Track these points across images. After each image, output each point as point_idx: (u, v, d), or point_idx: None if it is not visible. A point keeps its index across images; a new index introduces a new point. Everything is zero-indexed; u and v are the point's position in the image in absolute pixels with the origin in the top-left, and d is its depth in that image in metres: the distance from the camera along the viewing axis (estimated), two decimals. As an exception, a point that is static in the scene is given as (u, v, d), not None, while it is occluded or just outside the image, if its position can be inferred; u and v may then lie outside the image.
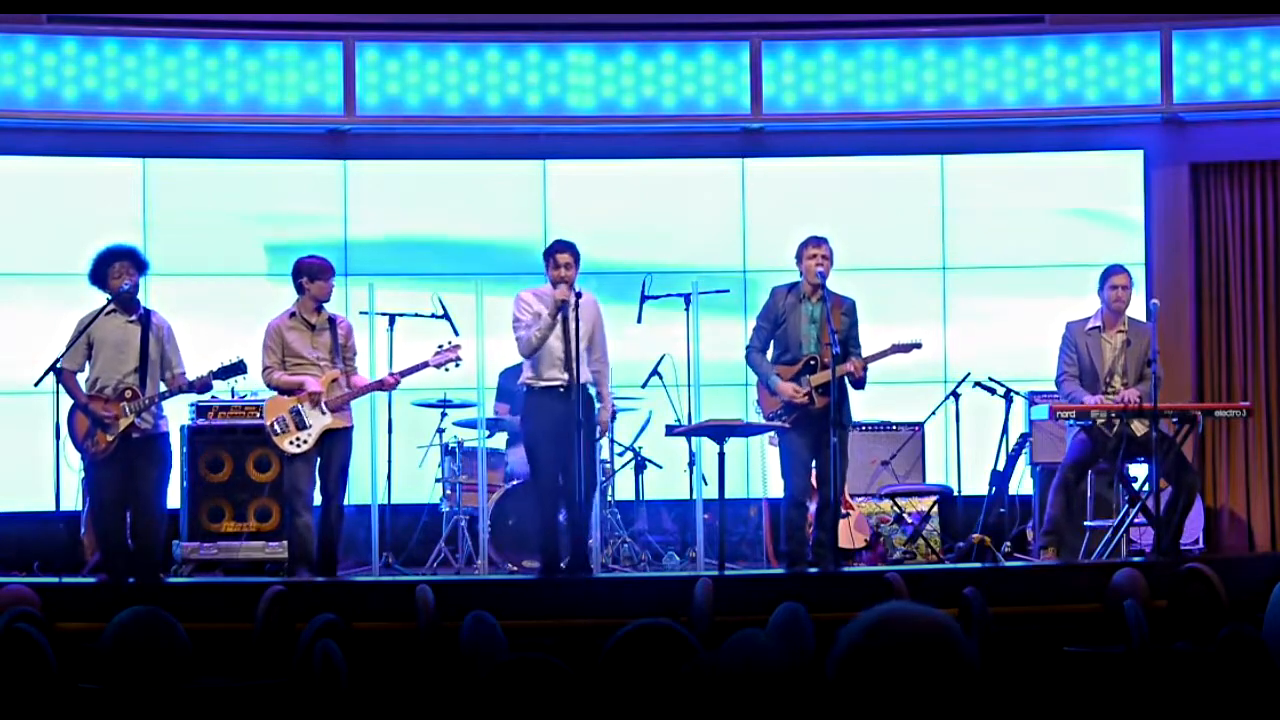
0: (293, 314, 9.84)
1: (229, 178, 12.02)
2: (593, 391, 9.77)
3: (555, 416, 9.59)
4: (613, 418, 10.73)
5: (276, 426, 9.71)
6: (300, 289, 9.81)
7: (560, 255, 9.66)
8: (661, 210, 12.25)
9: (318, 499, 9.80)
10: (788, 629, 5.37)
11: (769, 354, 9.87)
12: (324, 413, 9.70)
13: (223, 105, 11.70)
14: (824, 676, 2.70)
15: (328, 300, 9.87)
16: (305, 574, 9.56)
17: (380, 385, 9.92)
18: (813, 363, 9.72)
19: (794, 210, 11.84)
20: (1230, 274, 12.08)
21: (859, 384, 9.73)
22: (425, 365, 9.93)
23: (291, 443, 9.68)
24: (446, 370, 9.99)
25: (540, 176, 12.17)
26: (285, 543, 10.10)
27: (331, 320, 9.90)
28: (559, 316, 9.59)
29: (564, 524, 9.73)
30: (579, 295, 9.64)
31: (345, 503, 9.87)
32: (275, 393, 9.82)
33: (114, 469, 9.42)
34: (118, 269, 9.48)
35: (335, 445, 9.74)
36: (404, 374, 9.95)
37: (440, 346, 9.96)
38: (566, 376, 9.58)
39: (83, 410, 9.43)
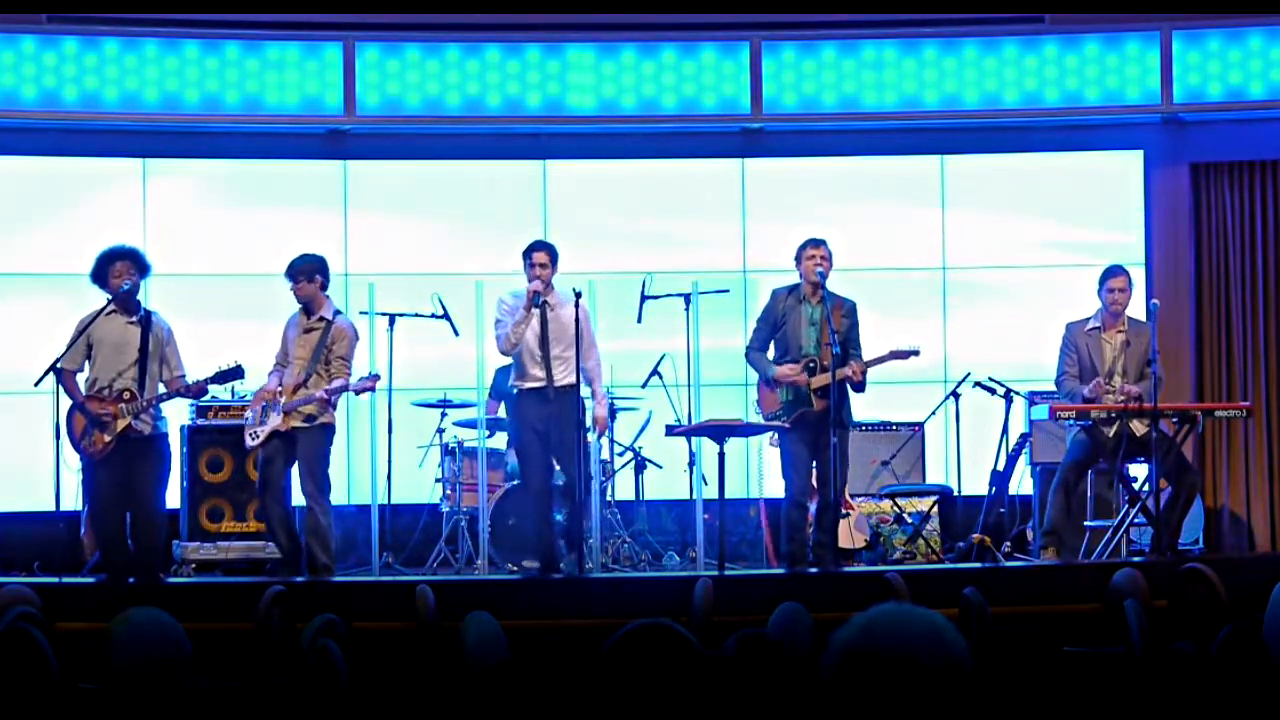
0: (300, 311, 9.87)
1: (229, 178, 12.03)
2: (586, 391, 9.78)
3: (539, 417, 9.66)
4: (612, 416, 10.72)
5: (249, 416, 9.85)
6: None
7: (536, 254, 9.79)
8: (661, 210, 12.25)
9: (299, 499, 9.78)
10: (788, 629, 5.37)
11: (769, 355, 9.87)
12: (276, 413, 9.68)
13: (223, 105, 11.69)
14: (818, 678, 2.70)
15: (303, 303, 9.77)
16: (286, 570, 9.55)
17: (310, 400, 9.75)
18: (812, 364, 9.71)
19: (794, 210, 11.84)
20: (1230, 274, 12.08)
21: (859, 387, 9.75)
22: (345, 388, 9.77)
23: (249, 435, 9.77)
24: (360, 395, 10.09)
25: (540, 176, 12.17)
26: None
27: (325, 321, 9.79)
28: (532, 309, 9.66)
29: (561, 523, 9.75)
30: (579, 295, 9.67)
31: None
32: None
33: (112, 469, 9.42)
34: (119, 269, 9.48)
35: (293, 447, 9.63)
36: (330, 393, 9.67)
37: (362, 377, 9.83)
38: (545, 376, 9.63)
39: (80, 410, 9.44)
